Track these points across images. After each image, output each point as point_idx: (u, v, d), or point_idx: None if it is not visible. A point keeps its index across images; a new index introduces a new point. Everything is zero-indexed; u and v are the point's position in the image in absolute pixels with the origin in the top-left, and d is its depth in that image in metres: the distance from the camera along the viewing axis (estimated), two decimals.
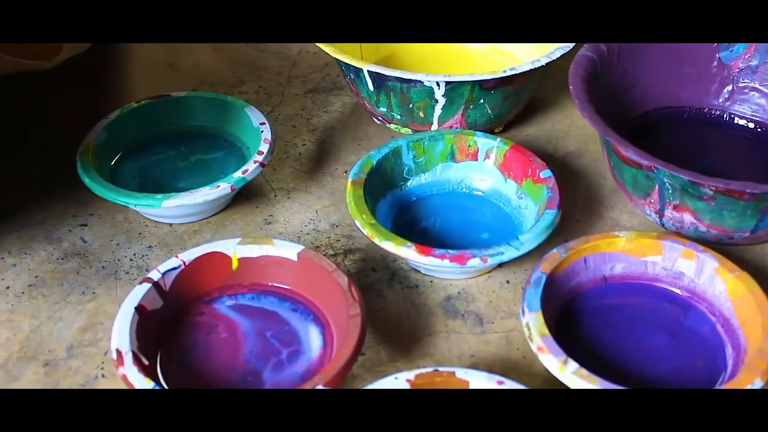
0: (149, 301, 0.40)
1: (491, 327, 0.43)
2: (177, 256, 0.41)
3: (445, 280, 0.45)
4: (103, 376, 0.40)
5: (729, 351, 0.40)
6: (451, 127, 0.53)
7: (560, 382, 0.37)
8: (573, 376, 0.36)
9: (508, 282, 0.45)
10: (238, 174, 0.47)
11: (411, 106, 0.52)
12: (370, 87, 0.52)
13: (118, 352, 0.37)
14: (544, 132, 0.56)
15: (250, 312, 0.42)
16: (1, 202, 0.50)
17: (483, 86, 0.50)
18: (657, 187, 0.44)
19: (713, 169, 0.49)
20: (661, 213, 0.46)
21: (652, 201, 0.46)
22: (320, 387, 0.35)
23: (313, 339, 0.40)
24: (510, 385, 0.35)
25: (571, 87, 0.47)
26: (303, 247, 0.42)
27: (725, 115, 0.53)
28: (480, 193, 0.49)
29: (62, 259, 0.46)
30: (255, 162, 0.47)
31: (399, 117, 0.53)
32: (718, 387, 0.38)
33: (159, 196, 0.45)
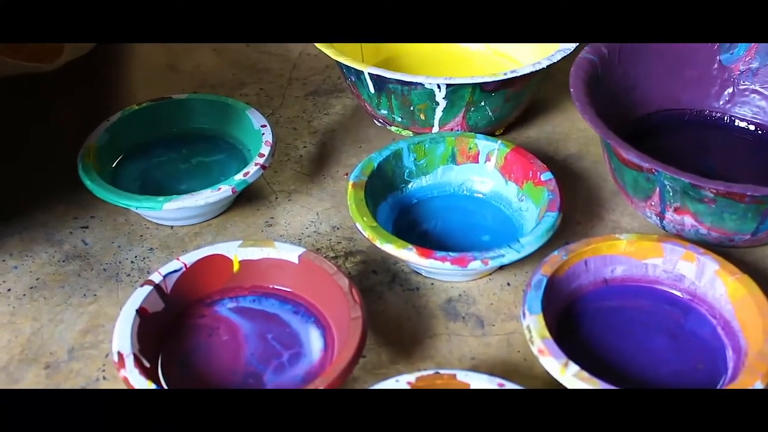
0: (150, 304, 0.40)
1: (492, 329, 0.43)
2: (178, 259, 0.41)
3: (446, 282, 0.45)
4: (104, 378, 0.40)
5: (729, 354, 0.40)
6: (452, 130, 0.53)
7: (561, 384, 0.37)
8: (574, 378, 0.36)
9: (508, 284, 0.45)
10: (239, 176, 0.47)
11: (412, 108, 0.52)
12: (371, 89, 0.52)
13: (120, 355, 0.37)
14: (545, 134, 0.56)
15: (252, 314, 0.42)
16: (3, 204, 0.50)
17: (484, 89, 0.50)
18: (658, 189, 0.44)
19: (714, 172, 0.49)
20: (661, 215, 0.46)
21: (652, 203, 0.46)
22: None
23: (314, 341, 0.40)
24: (511, 387, 0.35)
25: (572, 89, 0.47)
26: (304, 250, 0.42)
27: (726, 118, 0.54)
28: (481, 196, 0.49)
29: (63, 261, 0.46)
30: (256, 164, 0.47)
31: (400, 119, 0.53)
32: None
33: (160, 198, 0.45)
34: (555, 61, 0.51)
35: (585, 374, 0.36)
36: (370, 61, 0.59)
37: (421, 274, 0.46)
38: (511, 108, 0.53)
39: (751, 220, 0.43)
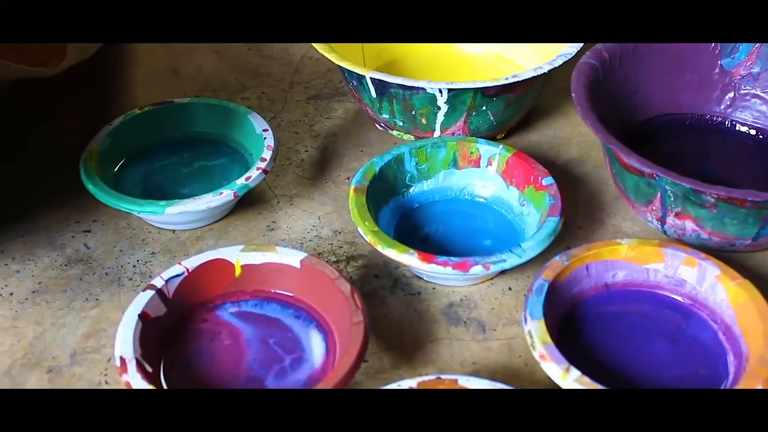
0: (152, 308, 0.40)
1: (493, 334, 0.43)
2: (180, 263, 0.42)
3: (447, 287, 0.45)
4: (106, 382, 0.40)
5: (730, 359, 0.40)
6: (453, 134, 0.53)
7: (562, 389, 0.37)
8: (575, 383, 0.36)
9: (510, 289, 0.45)
10: (241, 181, 0.47)
11: (413, 112, 0.52)
12: (373, 94, 0.52)
13: (122, 359, 0.37)
14: (546, 139, 0.56)
15: (253, 319, 0.42)
16: (5, 208, 0.50)
17: (485, 93, 0.50)
18: (659, 194, 0.44)
19: (715, 177, 0.49)
20: (662, 220, 0.46)
21: (653, 208, 0.46)
22: None
23: (315, 346, 0.40)
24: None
25: (573, 94, 0.47)
26: (306, 254, 0.42)
27: (727, 122, 0.54)
28: (482, 200, 0.49)
29: (66, 265, 0.46)
30: (258, 169, 0.47)
31: (401, 124, 0.53)
32: None
33: (162, 202, 0.45)
34: (556, 65, 0.51)
35: (586, 379, 0.36)
36: (372, 65, 0.59)
37: (423, 279, 0.46)
38: (512, 112, 0.53)
39: (752, 225, 0.43)
